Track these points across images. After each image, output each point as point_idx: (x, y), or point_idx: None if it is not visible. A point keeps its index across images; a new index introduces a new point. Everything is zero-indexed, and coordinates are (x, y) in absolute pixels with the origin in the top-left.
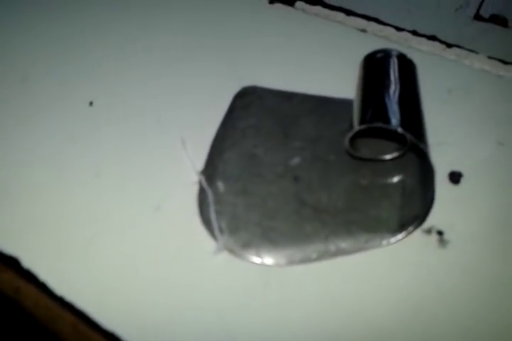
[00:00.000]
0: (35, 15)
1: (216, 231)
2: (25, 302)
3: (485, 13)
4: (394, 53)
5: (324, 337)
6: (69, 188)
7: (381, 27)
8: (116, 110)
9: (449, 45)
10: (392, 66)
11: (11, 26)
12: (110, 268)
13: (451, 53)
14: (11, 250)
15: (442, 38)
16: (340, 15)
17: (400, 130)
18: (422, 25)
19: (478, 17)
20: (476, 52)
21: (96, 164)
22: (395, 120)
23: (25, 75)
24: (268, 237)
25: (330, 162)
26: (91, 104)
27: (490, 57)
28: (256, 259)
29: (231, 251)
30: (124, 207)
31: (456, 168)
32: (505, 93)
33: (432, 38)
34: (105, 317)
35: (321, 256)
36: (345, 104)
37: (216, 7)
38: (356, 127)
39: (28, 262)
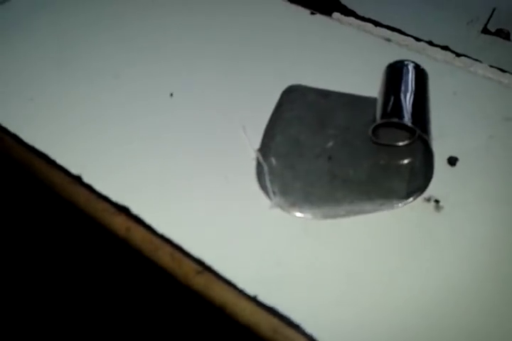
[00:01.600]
0: (125, 23)
1: (271, 194)
2: (134, 238)
3: (492, 27)
4: (410, 63)
5: (343, 268)
6: (164, 160)
7: (403, 37)
8: (192, 101)
9: (458, 55)
10: (408, 74)
11: (108, 33)
12: (196, 215)
13: (460, 61)
14: (123, 201)
15: (453, 48)
16: (370, 26)
17: (410, 124)
18: (437, 36)
19: (485, 31)
20: (481, 62)
21: (179, 145)
22: (407, 116)
23: (117, 72)
24: (308, 199)
25: (356, 146)
26: (171, 95)
27: (491, 66)
28: (300, 214)
29: (282, 208)
30: (202, 177)
31: (454, 154)
32: (501, 96)
33: (445, 48)
34: (195, 248)
35: (348, 214)
36: (370, 101)
37: (268, 19)
38: (378, 120)
39: (136, 210)
